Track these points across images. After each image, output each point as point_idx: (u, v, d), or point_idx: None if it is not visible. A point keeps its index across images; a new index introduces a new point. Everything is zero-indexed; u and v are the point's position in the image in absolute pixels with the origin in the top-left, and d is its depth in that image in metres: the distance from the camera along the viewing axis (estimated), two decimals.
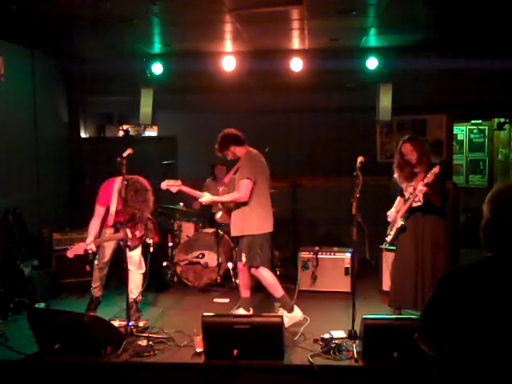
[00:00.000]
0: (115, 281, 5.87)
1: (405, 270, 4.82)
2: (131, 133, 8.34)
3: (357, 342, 4.19)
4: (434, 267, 4.71)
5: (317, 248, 6.14)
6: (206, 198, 4.93)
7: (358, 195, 4.35)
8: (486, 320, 1.80)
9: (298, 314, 4.84)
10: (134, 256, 5.04)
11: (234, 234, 4.98)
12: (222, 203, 5.12)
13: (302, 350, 4.25)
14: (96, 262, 5.13)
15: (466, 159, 10.18)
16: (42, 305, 5.48)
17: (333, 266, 6.03)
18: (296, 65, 7.08)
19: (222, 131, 4.95)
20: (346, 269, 5.98)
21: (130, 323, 4.51)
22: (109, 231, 5.03)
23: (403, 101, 7.08)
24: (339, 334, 4.46)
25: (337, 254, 6.08)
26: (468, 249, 6.36)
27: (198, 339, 4.18)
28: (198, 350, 4.18)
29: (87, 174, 7.67)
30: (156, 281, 6.11)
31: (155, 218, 5.53)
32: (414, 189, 4.73)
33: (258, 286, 5.24)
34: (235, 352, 3.87)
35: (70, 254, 4.68)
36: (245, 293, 4.98)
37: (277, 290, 4.84)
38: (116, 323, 4.69)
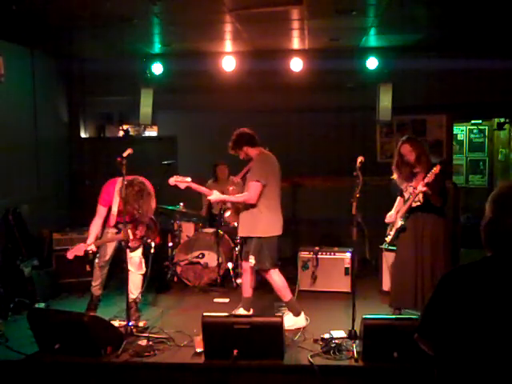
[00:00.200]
0: (115, 281, 5.89)
1: (405, 270, 4.82)
2: (131, 133, 8.33)
3: (357, 341, 4.19)
4: (433, 267, 4.71)
5: (317, 248, 6.14)
6: (214, 196, 4.89)
7: (357, 195, 4.35)
8: (486, 320, 1.80)
9: (303, 320, 4.82)
10: (135, 257, 5.03)
11: (241, 234, 4.97)
12: (232, 203, 5.09)
13: (302, 350, 4.25)
14: (97, 261, 5.11)
15: (466, 159, 10.17)
16: (41, 305, 5.48)
17: (333, 266, 6.03)
18: (296, 65, 7.08)
19: (238, 130, 4.85)
20: (346, 269, 5.97)
21: (130, 323, 4.50)
22: (111, 231, 5.02)
23: (403, 101, 7.07)
24: (339, 333, 4.46)
25: (337, 254, 6.08)
26: (468, 249, 6.37)
27: (198, 339, 4.18)
28: (198, 350, 4.18)
29: (87, 174, 7.68)
30: (156, 281, 6.10)
31: (156, 218, 5.53)
32: (414, 189, 4.74)
33: (258, 286, 5.24)
34: (235, 352, 3.87)
35: (70, 255, 4.67)
36: (247, 292, 4.96)
37: (285, 294, 4.83)
38: (116, 323, 4.68)
